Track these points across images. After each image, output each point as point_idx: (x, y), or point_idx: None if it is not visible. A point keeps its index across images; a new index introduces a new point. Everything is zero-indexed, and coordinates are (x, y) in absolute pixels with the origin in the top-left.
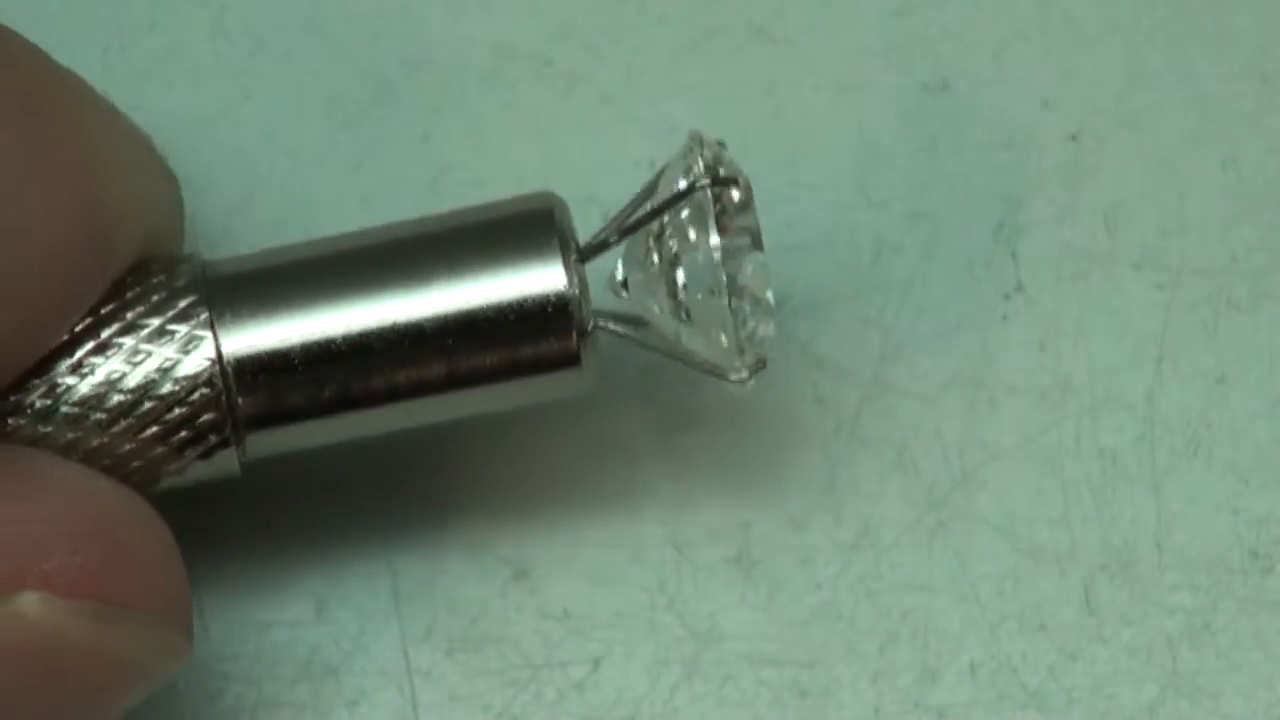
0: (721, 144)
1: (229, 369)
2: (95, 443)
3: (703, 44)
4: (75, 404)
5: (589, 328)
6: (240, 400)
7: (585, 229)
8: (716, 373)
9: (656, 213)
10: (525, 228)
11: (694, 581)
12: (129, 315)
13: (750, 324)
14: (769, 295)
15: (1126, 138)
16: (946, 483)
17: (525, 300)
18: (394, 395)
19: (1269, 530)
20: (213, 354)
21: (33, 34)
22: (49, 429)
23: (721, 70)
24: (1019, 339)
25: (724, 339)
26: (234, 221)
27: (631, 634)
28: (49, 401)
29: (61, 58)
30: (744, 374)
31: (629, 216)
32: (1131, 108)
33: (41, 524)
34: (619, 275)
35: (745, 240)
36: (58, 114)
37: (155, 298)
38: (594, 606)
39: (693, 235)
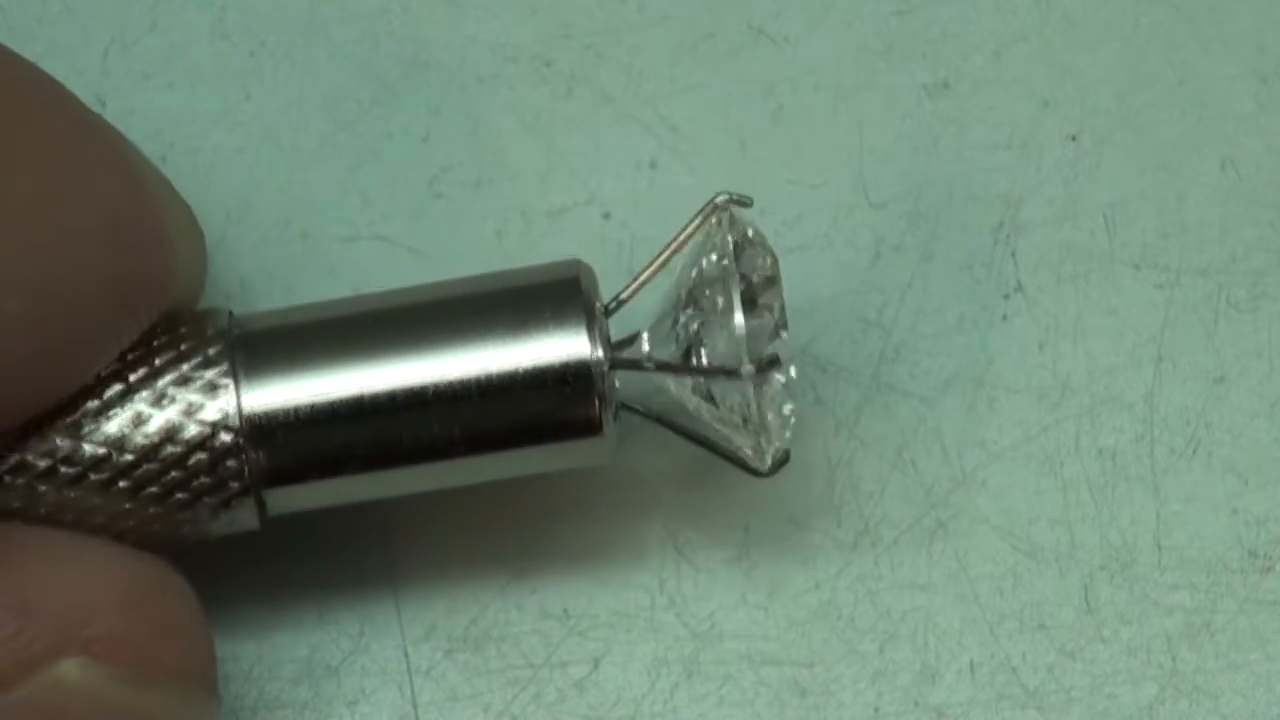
0: (747, 201)
1: (248, 423)
2: (120, 486)
3: (703, 44)
4: (99, 443)
5: (611, 398)
6: (259, 455)
7: (586, 231)
8: (740, 462)
9: (695, 371)
10: (551, 295)
11: (694, 581)
12: (155, 363)
13: (773, 415)
14: (793, 371)
15: (1126, 138)
16: (946, 483)
17: (548, 367)
18: (413, 458)
19: (1268, 530)
20: (233, 407)
21: (33, 34)
22: (77, 486)
23: (721, 70)
24: (1019, 339)
25: (748, 432)
26: (234, 223)
27: (631, 634)
28: (73, 442)
29: (61, 58)
30: (767, 465)
31: (668, 328)
32: (1131, 108)
33: (83, 594)
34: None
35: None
36: (95, 155)
37: (183, 347)
38: (594, 606)
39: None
